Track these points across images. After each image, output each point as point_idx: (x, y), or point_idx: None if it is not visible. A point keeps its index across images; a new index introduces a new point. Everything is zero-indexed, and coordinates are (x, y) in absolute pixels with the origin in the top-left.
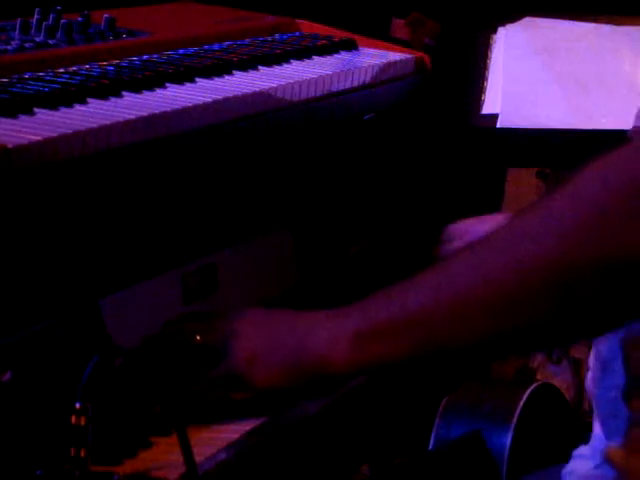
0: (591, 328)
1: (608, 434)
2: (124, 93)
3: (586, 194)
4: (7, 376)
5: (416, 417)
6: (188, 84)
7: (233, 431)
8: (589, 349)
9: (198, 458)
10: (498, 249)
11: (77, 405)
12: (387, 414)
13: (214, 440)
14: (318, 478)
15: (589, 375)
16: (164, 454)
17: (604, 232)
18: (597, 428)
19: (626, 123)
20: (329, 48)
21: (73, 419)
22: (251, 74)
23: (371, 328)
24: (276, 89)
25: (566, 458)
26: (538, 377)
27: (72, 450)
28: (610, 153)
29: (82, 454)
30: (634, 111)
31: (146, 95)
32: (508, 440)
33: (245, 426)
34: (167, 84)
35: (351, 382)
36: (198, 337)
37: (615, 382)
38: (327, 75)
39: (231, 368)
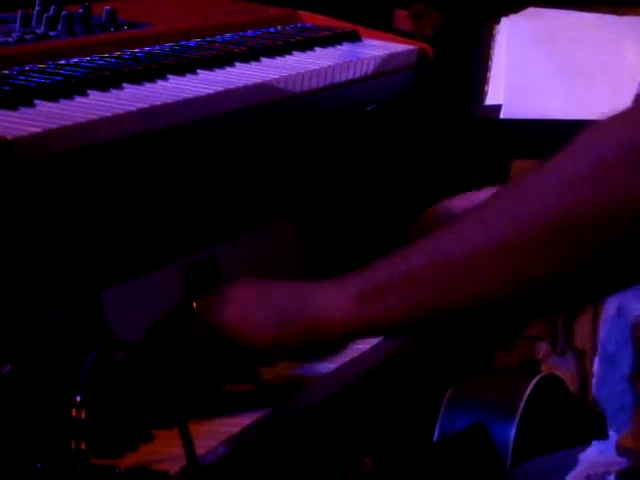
0: (599, 284)
1: (619, 427)
2: (125, 85)
3: (588, 149)
4: (7, 369)
5: (420, 409)
6: (189, 75)
7: (234, 424)
8: (593, 339)
9: (199, 451)
10: (500, 205)
11: (78, 398)
12: (391, 406)
13: (215, 433)
14: (321, 471)
15: (594, 381)
16: (165, 447)
17: (608, 183)
18: (610, 429)
19: None
20: (331, 39)
21: (73, 412)
22: (253, 65)
23: (370, 286)
24: (278, 80)
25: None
26: (542, 369)
27: (72, 443)
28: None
29: (83, 447)
30: None
31: (147, 87)
32: (512, 432)
33: (246, 419)
34: (168, 76)
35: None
36: (194, 304)
37: (622, 374)
38: (329, 66)
39: (222, 327)
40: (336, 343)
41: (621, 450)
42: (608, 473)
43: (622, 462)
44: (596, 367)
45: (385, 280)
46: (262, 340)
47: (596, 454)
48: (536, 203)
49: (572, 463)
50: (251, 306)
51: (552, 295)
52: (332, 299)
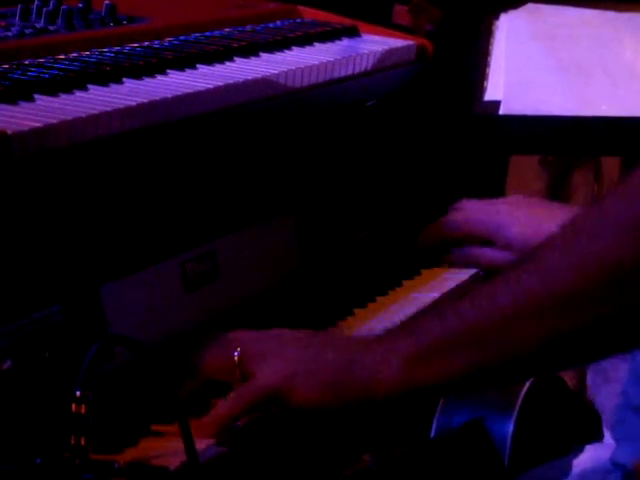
0: None
1: (616, 439)
2: (124, 79)
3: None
4: (7, 364)
5: (418, 405)
6: (189, 70)
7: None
8: None
9: (199, 446)
10: (558, 250)
11: (77, 393)
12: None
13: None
14: (320, 466)
15: (588, 387)
16: (165, 442)
17: None
18: (606, 432)
19: (628, 110)
20: (330, 34)
21: (73, 407)
22: (252, 60)
23: (423, 346)
24: (277, 75)
25: (569, 447)
26: None
27: (72, 438)
28: None
29: (82, 442)
30: (635, 98)
31: (146, 81)
32: (510, 428)
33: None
34: (168, 70)
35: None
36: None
37: (618, 390)
38: (328, 61)
39: (264, 385)
40: (382, 407)
41: (620, 466)
42: None
43: (615, 472)
44: (588, 378)
45: (435, 340)
46: (310, 404)
47: (590, 460)
48: (600, 248)
49: (566, 470)
50: (297, 365)
51: (619, 337)
52: (381, 360)
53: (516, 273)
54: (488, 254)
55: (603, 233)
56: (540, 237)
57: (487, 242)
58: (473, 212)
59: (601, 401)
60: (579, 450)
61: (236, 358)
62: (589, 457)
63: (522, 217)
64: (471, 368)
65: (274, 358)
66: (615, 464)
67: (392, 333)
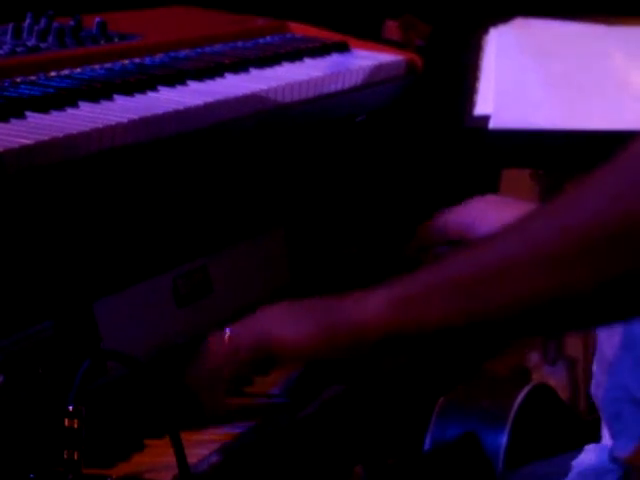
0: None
1: (613, 435)
2: (116, 96)
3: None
4: (0, 379)
5: (411, 417)
6: (180, 87)
7: (226, 433)
8: (584, 348)
9: (191, 460)
10: (543, 217)
11: (70, 408)
12: (382, 414)
13: (207, 442)
14: (312, 477)
15: (593, 381)
16: (157, 457)
17: None
18: (604, 430)
19: (618, 124)
20: (321, 50)
21: (66, 422)
22: (242, 76)
23: (408, 291)
24: (267, 91)
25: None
26: (534, 378)
27: (65, 453)
28: None
29: (75, 457)
30: (625, 112)
31: (138, 98)
32: (504, 441)
33: (238, 428)
34: (158, 87)
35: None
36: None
37: (619, 382)
38: (319, 77)
39: (257, 338)
40: (371, 351)
41: (618, 461)
42: None
43: (615, 469)
44: (594, 369)
45: (423, 286)
46: (300, 351)
47: (589, 460)
48: (584, 215)
49: (565, 469)
50: (283, 319)
51: (594, 307)
52: (367, 304)
53: (500, 235)
54: None
55: (589, 199)
56: None
57: (464, 242)
58: (448, 215)
59: (602, 394)
60: (578, 451)
61: (226, 337)
62: (588, 457)
63: (494, 214)
64: (450, 319)
65: (260, 319)
66: (614, 460)
67: (376, 286)
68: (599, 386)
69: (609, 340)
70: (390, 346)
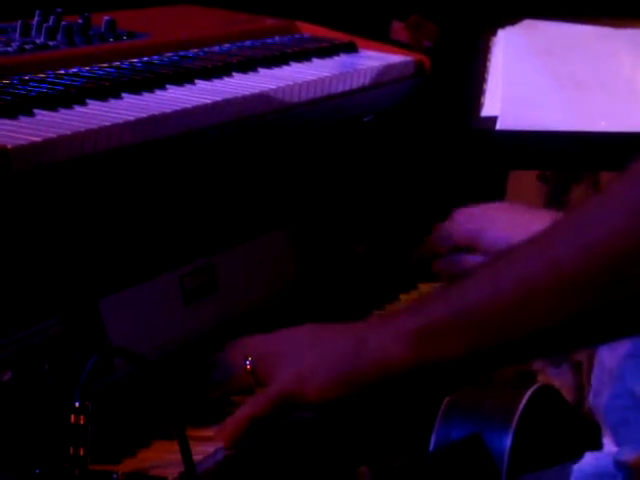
0: None
1: (619, 441)
2: (123, 94)
3: None
4: (7, 375)
5: (416, 419)
6: (187, 85)
7: None
8: (590, 353)
9: (197, 457)
10: (563, 235)
11: (76, 404)
12: (387, 415)
13: (212, 440)
14: (316, 478)
15: (591, 391)
16: (163, 453)
17: None
18: (606, 438)
19: (626, 126)
20: (329, 50)
21: (72, 418)
22: (250, 76)
23: (428, 325)
24: (275, 91)
25: (567, 460)
26: (539, 379)
27: (71, 449)
28: None
29: (81, 453)
30: (633, 114)
31: (145, 96)
32: (508, 442)
33: None
34: (167, 86)
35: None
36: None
37: (625, 389)
38: (326, 77)
39: (281, 388)
40: (397, 385)
41: (623, 467)
42: None
43: (617, 474)
44: (593, 379)
45: (441, 318)
46: (323, 399)
47: (590, 465)
48: (603, 233)
49: (566, 475)
50: (307, 365)
51: (621, 324)
52: (388, 342)
53: (518, 255)
54: (469, 260)
55: (609, 216)
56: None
57: (472, 249)
58: (458, 220)
59: (605, 402)
60: (579, 457)
61: (248, 367)
62: (589, 463)
63: (503, 221)
64: (471, 350)
65: (284, 362)
66: (618, 464)
67: (395, 314)
68: (598, 395)
69: (611, 351)
70: (412, 379)
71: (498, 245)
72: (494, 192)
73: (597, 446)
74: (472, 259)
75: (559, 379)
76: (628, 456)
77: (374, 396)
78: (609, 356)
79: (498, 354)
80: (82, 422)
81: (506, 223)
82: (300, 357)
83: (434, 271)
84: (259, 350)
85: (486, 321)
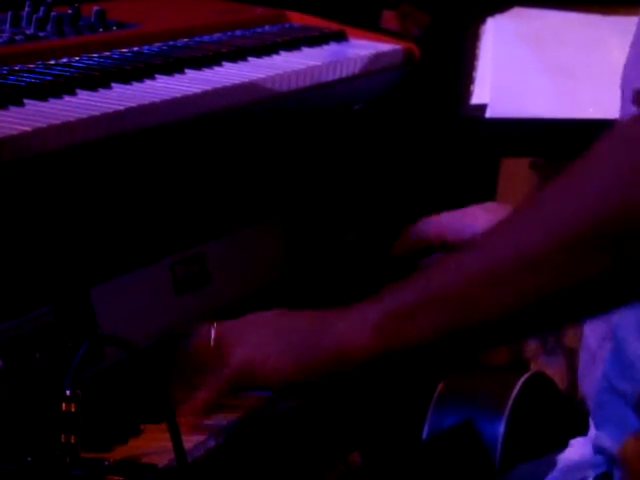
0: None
1: (597, 424)
2: (113, 84)
3: (616, 156)
4: None
5: (409, 405)
6: (177, 75)
7: (222, 418)
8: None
9: (187, 445)
10: (527, 218)
11: (67, 392)
12: (379, 402)
13: (203, 427)
14: (308, 464)
15: (579, 371)
16: (154, 441)
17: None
18: (590, 420)
19: (614, 113)
20: (318, 39)
21: (63, 406)
22: (240, 65)
23: (392, 311)
24: (265, 80)
25: (559, 447)
26: (532, 367)
27: (62, 437)
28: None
29: (72, 440)
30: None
31: (135, 86)
32: (501, 430)
33: (234, 413)
34: (156, 75)
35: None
36: (213, 333)
37: (601, 371)
38: (316, 66)
39: (238, 364)
40: (358, 373)
41: (601, 451)
42: (585, 478)
43: (600, 463)
44: (580, 361)
45: (405, 304)
46: (284, 380)
47: (574, 455)
48: (563, 216)
49: (551, 466)
50: (267, 345)
51: (584, 302)
52: (351, 327)
53: (484, 239)
54: None
55: (566, 202)
56: None
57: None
58: (443, 218)
59: (587, 385)
60: (564, 445)
61: (212, 343)
62: (574, 451)
63: (491, 219)
64: (439, 333)
65: (246, 340)
66: (598, 450)
67: (362, 303)
68: (584, 376)
69: (593, 331)
70: (376, 366)
71: None
72: (486, 180)
73: (583, 432)
74: None
75: (552, 367)
76: (606, 442)
77: (337, 382)
78: (591, 339)
79: (464, 336)
80: (73, 410)
81: (494, 219)
82: (260, 339)
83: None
84: (224, 331)
85: (452, 303)
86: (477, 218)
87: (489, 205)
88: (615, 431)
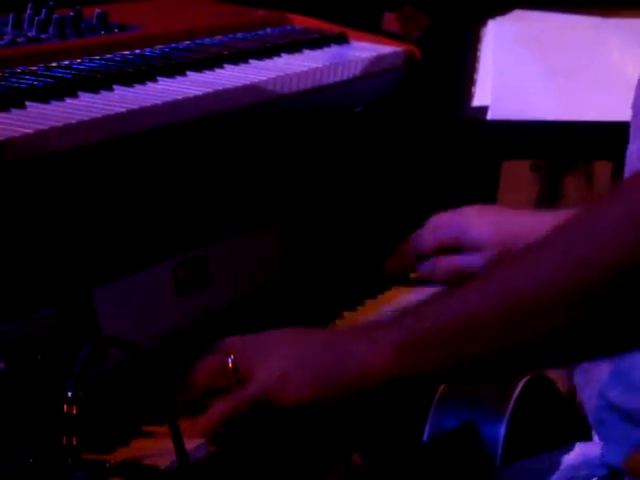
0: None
1: (602, 440)
2: (115, 87)
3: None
4: (1, 365)
5: (409, 407)
6: (179, 77)
7: None
8: None
9: (189, 446)
10: (553, 250)
11: (69, 394)
12: (380, 403)
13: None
14: (310, 465)
15: (577, 386)
16: (156, 443)
17: None
18: (594, 432)
19: (615, 115)
20: (320, 42)
21: (65, 407)
22: (242, 67)
23: (412, 338)
24: (266, 82)
25: (560, 450)
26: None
27: (64, 438)
28: None
29: (74, 442)
30: (622, 103)
31: (137, 88)
32: (502, 432)
33: None
34: (158, 77)
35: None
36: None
37: (597, 390)
38: (317, 68)
39: (259, 387)
40: (375, 397)
41: (604, 464)
42: (591, 476)
43: (603, 467)
44: (577, 374)
45: (425, 331)
46: (302, 402)
47: (579, 457)
48: (585, 251)
49: (556, 466)
50: (287, 368)
51: (575, 350)
52: (371, 352)
53: (505, 270)
54: (457, 261)
55: (590, 239)
56: (508, 236)
57: (456, 251)
58: (438, 221)
59: (585, 400)
60: (568, 447)
61: (230, 365)
62: (578, 453)
63: (488, 218)
64: (455, 361)
65: (265, 362)
66: (604, 464)
67: (381, 323)
68: (582, 391)
69: None
70: (395, 387)
71: (484, 241)
72: (487, 182)
73: (586, 437)
74: (458, 260)
75: (553, 370)
76: (613, 458)
77: (350, 406)
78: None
79: (480, 367)
80: (75, 412)
81: (491, 220)
82: (282, 358)
83: (416, 277)
84: (242, 349)
85: (469, 333)
86: (469, 219)
87: (480, 206)
88: (619, 448)
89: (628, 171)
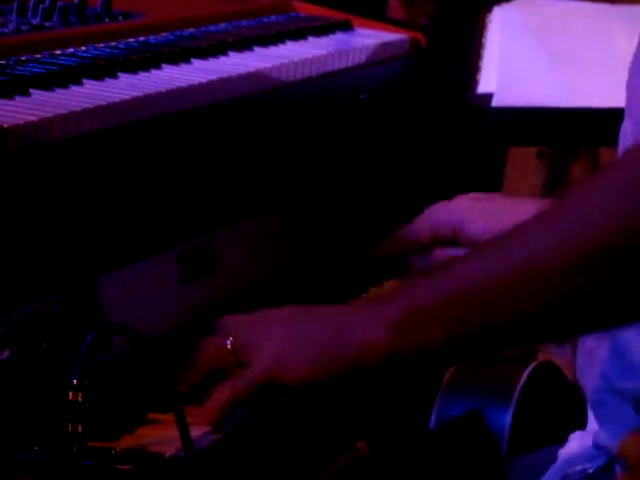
0: None
1: (598, 422)
2: (119, 74)
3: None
4: (5, 354)
5: (415, 394)
6: (183, 65)
7: None
8: None
9: (195, 434)
10: (544, 227)
11: (74, 381)
12: (386, 390)
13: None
14: (316, 453)
15: (577, 368)
16: (161, 430)
17: None
18: (590, 414)
19: (621, 101)
20: (324, 29)
21: (70, 395)
22: (246, 55)
23: (411, 312)
24: (271, 69)
25: (565, 437)
26: (540, 357)
27: (70, 426)
28: None
29: (79, 430)
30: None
31: (141, 76)
32: (508, 419)
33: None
34: (162, 65)
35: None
36: (230, 342)
37: (599, 371)
38: (322, 55)
39: (260, 370)
40: (378, 371)
41: (602, 448)
42: (585, 470)
43: (600, 457)
44: (578, 362)
45: (424, 305)
46: (301, 381)
47: (575, 448)
48: (581, 229)
49: (552, 459)
50: (289, 345)
51: (595, 315)
52: (372, 328)
53: (505, 242)
54: (453, 255)
55: (588, 213)
56: (503, 228)
57: (453, 243)
58: (434, 212)
59: (586, 382)
60: (564, 439)
61: (229, 346)
62: (574, 445)
63: (485, 209)
64: (457, 333)
65: (265, 342)
66: (598, 448)
67: (380, 299)
68: (582, 374)
69: None
70: (395, 362)
71: (480, 236)
72: (493, 169)
73: (581, 425)
74: (455, 253)
75: (560, 357)
76: (608, 440)
77: (351, 379)
78: (588, 339)
79: (481, 339)
80: (80, 399)
81: (485, 213)
82: (282, 339)
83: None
84: (241, 330)
85: (470, 306)
86: (465, 212)
87: (474, 194)
88: (616, 429)
89: (621, 149)
